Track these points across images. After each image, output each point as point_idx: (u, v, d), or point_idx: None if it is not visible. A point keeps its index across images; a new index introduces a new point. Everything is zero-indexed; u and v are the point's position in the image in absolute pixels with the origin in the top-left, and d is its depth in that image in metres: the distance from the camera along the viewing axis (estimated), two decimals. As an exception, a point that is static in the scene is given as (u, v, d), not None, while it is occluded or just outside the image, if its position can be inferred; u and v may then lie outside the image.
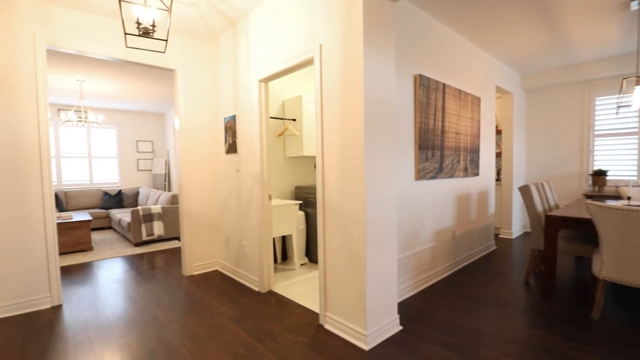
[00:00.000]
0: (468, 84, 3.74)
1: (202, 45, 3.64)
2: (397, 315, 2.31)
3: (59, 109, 6.79)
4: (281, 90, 3.98)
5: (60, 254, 4.58)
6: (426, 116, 3.02)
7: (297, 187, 4.04)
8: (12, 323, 2.50)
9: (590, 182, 4.94)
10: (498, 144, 5.59)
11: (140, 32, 2.14)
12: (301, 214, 3.81)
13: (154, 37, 2.39)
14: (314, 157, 4.30)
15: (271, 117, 3.84)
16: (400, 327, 2.31)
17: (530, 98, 5.46)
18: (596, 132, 4.89)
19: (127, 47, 2.22)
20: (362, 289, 2.07)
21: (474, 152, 3.86)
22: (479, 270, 3.55)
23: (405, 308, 2.64)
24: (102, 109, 7.33)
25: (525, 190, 3.11)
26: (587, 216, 2.56)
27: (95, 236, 5.88)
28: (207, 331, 2.33)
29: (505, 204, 5.11)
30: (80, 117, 5.67)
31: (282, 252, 3.95)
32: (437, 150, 3.19)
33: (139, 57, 3.17)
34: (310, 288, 3.10)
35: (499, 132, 5.53)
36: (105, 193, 7.04)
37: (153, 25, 2.17)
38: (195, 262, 3.65)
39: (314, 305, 2.71)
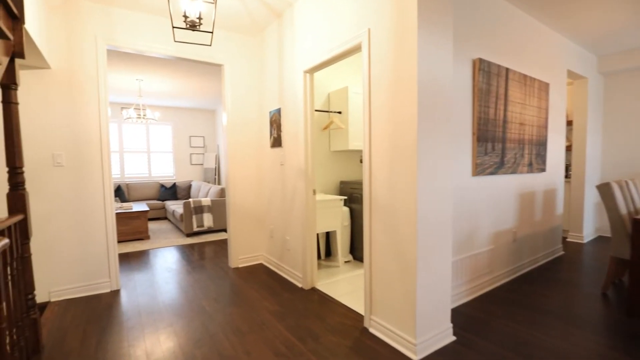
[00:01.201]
0: (535, 69, 3.33)
1: (248, 40, 3.64)
2: (450, 324, 2.11)
3: (121, 107, 7.35)
4: (327, 82, 3.88)
5: (121, 241, 4.94)
6: (486, 105, 2.72)
7: (342, 182, 3.92)
8: (78, 304, 2.71)
9: (686, 180, 4.20)
10: (568, 137, 4.98)
11: (187, 26, 2.15)
12: (346, 209, 3.69)
13: (201, 29, 2.40)
14: (359, 151, 4.15)
15: (316, 110, 3.76)
16: (454, 338, 2.11)
17: (609, 83, 4.77)
18: (696, 122, 4.14)
19: (175, 41, 2.25)
20: (412, 294, 1.90)
21: (541, 145, 3.44)
22: (544, 278, 3.17)
23: (459, 316, 2.42)
24: (158, 106, 7.81)
25: (605, 189, 2.69)
26: (691, 221, 2.13)
27: (152, 226, 6.29)
28: (249, 325, 2.32)
29: (575, 204, 4.54)
30: (139, 114, 6.08)
31: (326, 249, 3.87)
32: (497, 142, 2.88)
33: (189, 54, 3.25)
34: (354, 287, 2.98)
35: (569, 123, 4.91)
36: (162, 185, 7.51)
37: (199, 18, 2.18)
38: (240, 255, 3.70)
39: (358, 306, 2.59)
